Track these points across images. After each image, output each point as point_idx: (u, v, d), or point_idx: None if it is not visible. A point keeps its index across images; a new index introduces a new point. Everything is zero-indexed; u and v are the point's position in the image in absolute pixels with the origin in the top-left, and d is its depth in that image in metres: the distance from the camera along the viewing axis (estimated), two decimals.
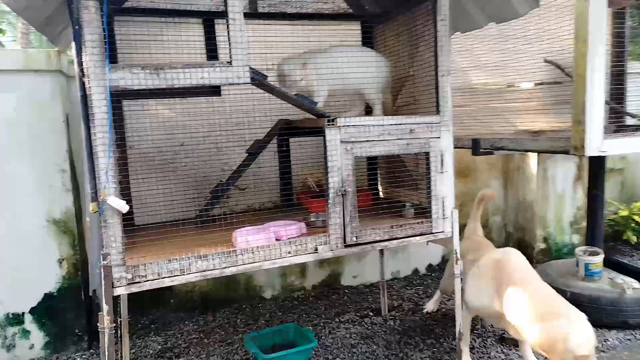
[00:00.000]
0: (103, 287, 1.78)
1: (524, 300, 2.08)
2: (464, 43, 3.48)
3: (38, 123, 2.66)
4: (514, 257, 2.33)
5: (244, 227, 2.11)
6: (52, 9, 2.08)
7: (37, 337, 2.76)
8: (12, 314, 2.71)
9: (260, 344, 2.53)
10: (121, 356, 2.44)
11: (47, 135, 2.68)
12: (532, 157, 3.88)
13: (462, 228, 2.83)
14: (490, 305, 2.26)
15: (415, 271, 3.96)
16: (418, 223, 2.30)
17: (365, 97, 2.54)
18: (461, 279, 2.38)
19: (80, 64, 1.75)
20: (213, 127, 2.71)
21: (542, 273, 2.94)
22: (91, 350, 2.84)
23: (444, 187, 2.31)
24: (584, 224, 3.28)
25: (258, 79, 2.01)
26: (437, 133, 2.28)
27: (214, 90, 2.63)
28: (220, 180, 2.62)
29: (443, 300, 3.24)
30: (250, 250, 2.00)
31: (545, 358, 2.03)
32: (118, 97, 2.43)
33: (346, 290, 3.65)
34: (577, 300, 2.55)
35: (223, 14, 1.92)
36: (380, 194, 2.97)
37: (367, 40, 2.90)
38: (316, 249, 2.11)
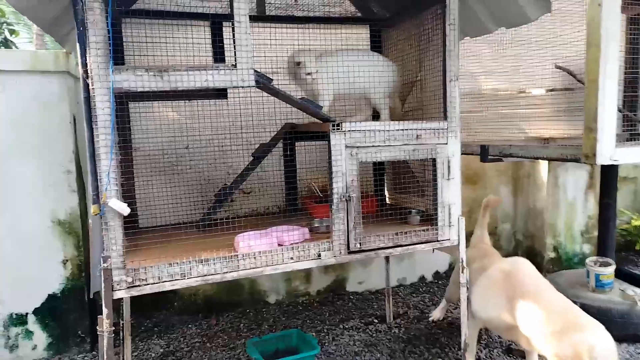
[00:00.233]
0: (103, 290, 1.76)
1: (540, 312, 2.03)
2: (473, 48, 3.43)
3: (45, 123, 2.67)
4: (525, 266, 2.28)
5: (246, 231, 2.08)
6: (58, 9, 2.08)
7: (40, 338, 2.76)
8: (16, 314, 2.71)
9: (262, 350, 2.50)
10: (123, 359, 2.42)
11: (54, 135, 2.69)
12: (543, 164, 3.81)
13: (470, 235, 2.79)
14: (500, 317, 2.21)
15: (422, 278, 3.91)
16: (423, 230, 2.26)
17: (372, 102, 2.51)
18: (467, 288, 2.33)
19: (84, 65, 1.74)
20: (219, 129, 2.70)
21: (552, 283, 2.85)
22: (93, 352, 2.83)
23: (450, 194, 2.27)
24: (596, 233, 3.21)
25: (263, 82, 1.99)
26: (444, 139, 2.24)
27: (221, 93, 2.63)
28: (225, 184, 2.60)
29: (449, 308, 3.19)
30: (252, 255, 1.98)
31: None
32: (124, 98, 2.44)
33: (351, 297, 3.61)
34: (586, 312, 2.48)
35: (230, 17, 1.90)
36: (387, 199, 2.94)
37: (376, 44, 2.88)
38: (319, 255, 2.08)
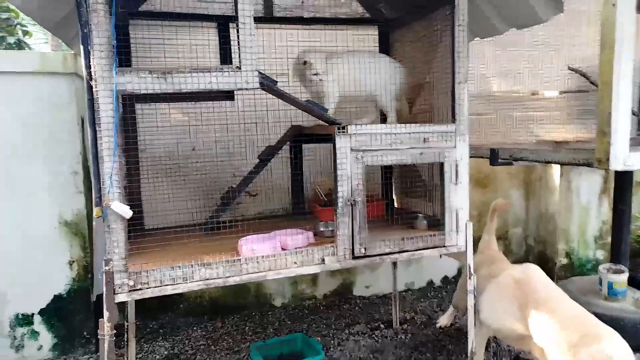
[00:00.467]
0: (104, 293, 1.75)
1: (555, 322, 1.98)
2: (484, 49, 3.38)
3: (53, 125, 2.68)
4: (536, 273, 2.23)
5: (250, 235, 2.06)
6: (65, 11, 2.08)
7: (46, 338, 2.77)
8: (22, 314, 2.72)
9: (266, 354, 2.48)
10: None
11: (62, 137, 2.70)
12: (555, 168, 3.74)
13: (479, 240, 2.74)
14: (511, 326, 2.16)
15: (430, 283, 3.85)
16: (430, 235, 2.21)
17: (379, 104, 2.47)
18: (475, 295, 2.28)
19: (88, 67, 1.74)
20: (225, 131, 2.69)
21: (563, 290, 2.80)
22: (99, 354, 2.83)
23: (458, 198, 2.22)
24: (609, 239, 3.13)
25: (267, 84, 1.97)
26: (452, 142, 2.19)
27: (228, 95, 2.62)
28: (231, 186, 2.58)
29: (457, 314, 3.13)
30: (255, 260, 1.95)
31: None
32: (131, 100, 2.44)
33: (358, 301, 3.57)
34: None
35: (235, 18, 1.88)
36: (395, 203, 2.90)
37: (384, 46, 2.84)
38: (323, 260, 2.04)
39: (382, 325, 3.13)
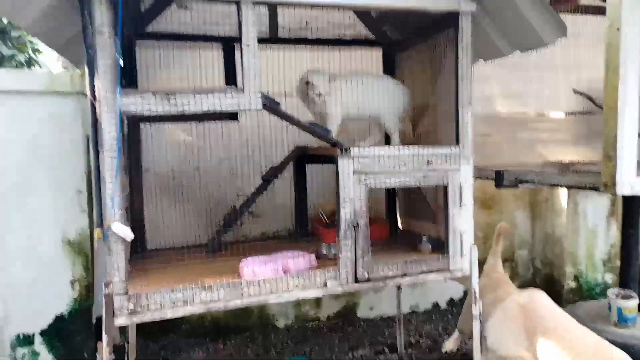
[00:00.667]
0: (104, 316, 1.73)
1: (566, 349, 1.93)
2: (489, 69, 3.38)
3: (58, 143, 2.69)
4: (542, 299, 2.18)
5: (251, 257, 2.04)
6: (72, 32, 2.10)
7: (46, 359, 2.74)
8: (23, 334, 2.70)
9: None
10: None
11: (67, 155, 2.71)
12: (562, 190, 3.70)
13: (484, 263, 2.69)
14: (519, 354, 2.10)
15: (435, 305, 3.79)
16: (434, 259, 2.18)
17: (383, 125, 2.47)
18: (480, 321, 2.24)
19: (92, 88, 1.75)
20: (229, 151, 2.69)
21: (571, 315, 2.74)
22: None
23: (462, 221, 2.20)
24: (618, 262, 3.08)
25: (271, 106, 1.97)
26: (456, 165, 2.18)
27: (232, 115, 2.63)
28: (234, 206, 2.58)
29: (463, 339, 3.07)
30: (256, 283, 1.93)
31: None
32: (135, 119, 2.45)
33: (362, 323, 3.52)
34: None
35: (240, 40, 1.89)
36: (399, 225, 2.87)
37: (389, 67, 2.85)
38: (325, 284, 2.02)
39: (386, 349, 3.08)
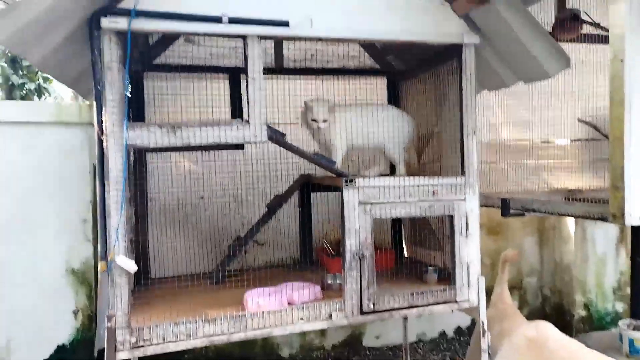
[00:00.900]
0: (106, 349, 1.72)
1: None
2: (493, 97, 3.39)
3: (65, 172, 2.72)
4: (550, 332, 2.13)
5: (256, 288, 2.02)
6: (81, 67, 2.14)
7: None
8: None
9: None
10: None
11: (73, 184, 2.73)
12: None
13: (491, 291, 2.65)
14: None
15: (442, 334, 3.72)
16: (441, 290, 2.15)
17: (387, 155, 2.47)
18: (489, 354, 2.19)
19: (100, 122, 1.77)
20: (234, 180, 2.70)
21: None
22: None
23: (469, 252, 2.17)
24: (628, 290, 3.02)
25: (276, 138, 1.98)
26: (462, 195, 2.17)
27: (237, 144, 2.64)
28: (239, 235, 2.57)
29: None
30: (261, 315, 1.91)
31: None
32: (141, 149, 2.47)
33: (368, 352, 3.46)
34: None
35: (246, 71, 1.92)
36: (405, 252, 2.85)
37: (393, 96, 2.87)
38: (330, 316, 1.99)
39: None
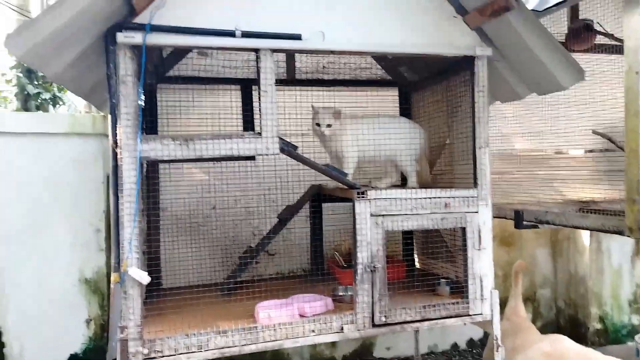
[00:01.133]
0: None
1: None
2: (506, 107, 3.37)
3: (79, 183, 2.75)
4: (567, 345, 2.10)
5: (267, 300, 2.02)
6: (96, 79, 2.17)
7: None
8: None
9: None
10: None
11: (86, 194, 2.77)
12: None
13: (505, 303, 2.62)
14: None
15: (454, 346, 3.68)
16: (453, 303, 2.13)
17: (399, 166, 2.46)
18: None
19: (114, 134, 1.79)
20: (245, 190, 2.71)
21: None
22: None
23: (482, 264, 2.15)
24: None
25: (288, 150, 1.99)
26: (474, 207, 2.15)
27: (248, 155, 2.65)
28: (250, 245, 2.57)
29: None
30: (272, 327, 1.91)
31: None
32: (154, 161, 2.49)
33: None
34: None
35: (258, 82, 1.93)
36: (417, 264, 2.83)
37: (405, 107, 2.87)
38: (342, 329, 1.98)
39: None
